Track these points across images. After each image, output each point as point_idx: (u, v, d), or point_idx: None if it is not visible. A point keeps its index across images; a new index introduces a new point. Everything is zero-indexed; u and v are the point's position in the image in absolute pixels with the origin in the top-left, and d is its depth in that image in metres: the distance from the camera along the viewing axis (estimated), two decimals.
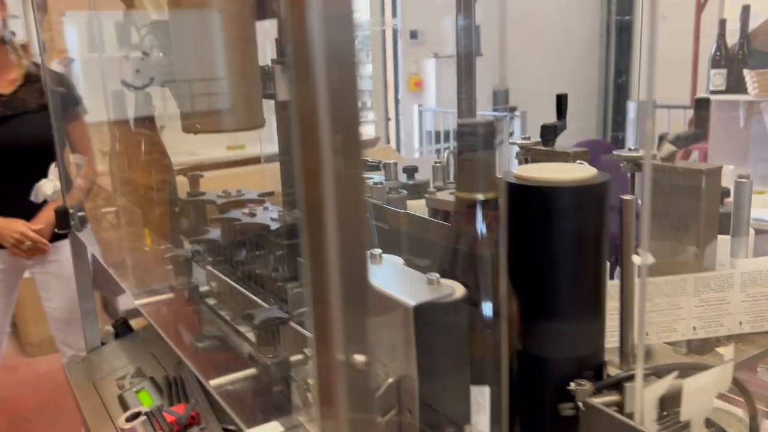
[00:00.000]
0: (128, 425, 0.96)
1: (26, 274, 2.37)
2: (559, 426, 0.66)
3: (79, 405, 1.24)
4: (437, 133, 4.67)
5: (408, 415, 0.57)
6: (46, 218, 2.12)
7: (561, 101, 1.13)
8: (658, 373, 0.67)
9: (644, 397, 0.59)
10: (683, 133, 0.97)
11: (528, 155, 1.16)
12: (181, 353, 0.80)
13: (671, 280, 0.88)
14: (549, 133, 1.09)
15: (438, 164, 1.22)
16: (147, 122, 1.33)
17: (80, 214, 1.43)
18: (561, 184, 0.61)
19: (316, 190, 0.40)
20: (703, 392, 0.64)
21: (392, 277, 0.61)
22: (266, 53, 1.22)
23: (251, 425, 0.58)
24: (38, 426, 2.95)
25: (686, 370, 0.64)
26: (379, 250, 0.65)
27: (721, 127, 3.20)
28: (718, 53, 3.03)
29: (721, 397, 0.74)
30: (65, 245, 2.25)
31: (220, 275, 0.95)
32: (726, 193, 1.01)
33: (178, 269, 0.95)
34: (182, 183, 1.48)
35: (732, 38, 3.02)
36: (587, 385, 0.65)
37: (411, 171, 1.26)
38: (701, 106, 1.02)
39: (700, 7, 3.63)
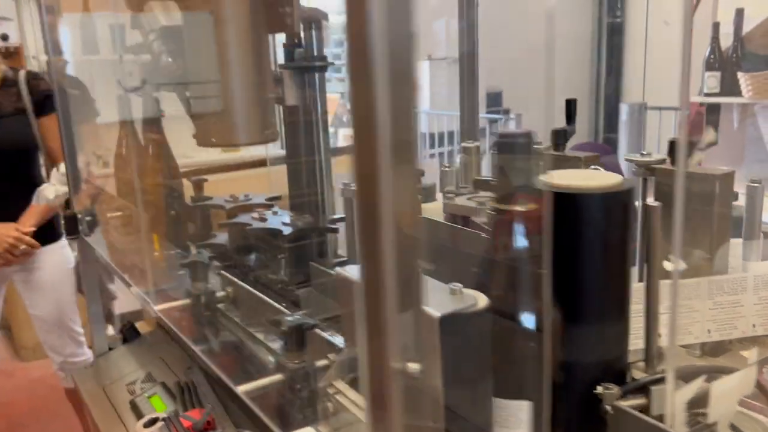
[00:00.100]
0: (146, 431, 0.96)
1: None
2: (586, 429, 0.67)
3: (90, 411, 1.23)
4: (431, 135, 4.68)
5: (432, 423, 0.57)
6: (33, 221, 2.11)
7: (570, 106, 1.14)
8: (683, 376, 0.68)
9: (675, 400, 0.60)
10: (694, 137, 0.99)
11: (539, 160, 1.17)
12: (207, 360, 0.80)
13: (685, 283, 0.89)
14: (560, 138, 1.10)
15: (447, 169, 1.23)
16: (155, 126, 1.33)
17: (88, 218, 1.42)
18: (593, 191, 0.61)
19: (374, 195, 0.40)
20: (728, 395, 0.65)
21: None
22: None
23: (287, 430, 0.59)
24: (33, 431, 2.93)
25: (711, 373, 0.65)
26: None
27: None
28: (712, 56, 3.06)
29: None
30: (48, 252, 2.23)
31: (237, 281, 0.96)
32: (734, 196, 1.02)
33: (194, 274, 0.95)
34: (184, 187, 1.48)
35: (725, 41, 3.05)
36: (614, 389, 0.65)
37: (417, 175, 1.27)
38: (712, 111, 1.03)
39: (692, 9, 3.67)
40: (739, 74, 2.92)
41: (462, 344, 0.55)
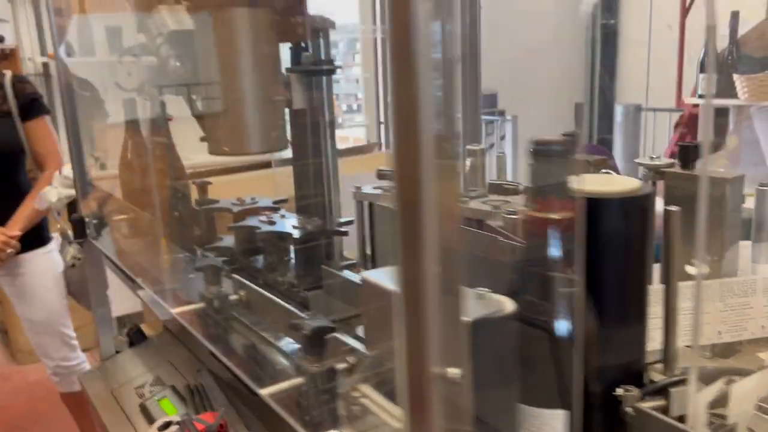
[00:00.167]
0: None
1: None
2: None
3: (99, 414, 1.23)
4: None
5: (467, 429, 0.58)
6: (20, 225, 2.10)
7: (579, 110, 1.15)
8: (700, 377, 0.68)
9: (697, 401, 0.60)
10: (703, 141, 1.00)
11: (575, 167, 1.18)
12: (228, 363, 0.81)
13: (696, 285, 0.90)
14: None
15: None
16: (162, 129, 1.33)
17: (95, 221, 1.42)
18: (615, 195, 0.62)
19: (416, 195, 0.41)
20: (747, 396, 0.66)
21: None
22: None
23: None
24: None
25: (729, 375, 0.66)
26: None
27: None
28: (707, 58, 3.09)
29: None
30: (35, 256, 2.22)
31: (252, 284, 0.96)
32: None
33: (209, 278, 0.95)
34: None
35: (720, 43, 3.07)
36: (634, 391, 0.66)
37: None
38: (720, 114, 1.04)
39: (684, 11, 3.70)
40: (735, 76, 2.95)
41: (492, 349, 0.56)
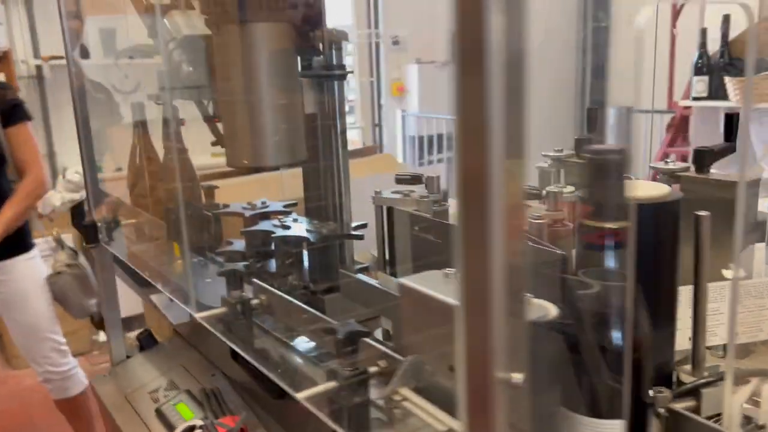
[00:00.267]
0: None
1: None
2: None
3: (114, 418, 1.23)
4: (420, 138, 4.72)
5: None
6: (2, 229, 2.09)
7: (591, 114, 1.17)
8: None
9: (733, 402, 0.62)
10: (716, 145, 1.02)
11: (560, 167, 1.20)
12: (261, 367, 0.81)
13: (712, 286, 0.92)
14: (583, 145, 1.13)
15: None
16: (175, 133, 1.33)
17: (106, 226, 1.42)
18: (649, 201, 0.64)
19: (481, 200, 0.41)
20: None
21: None
22: None
23: None
24: None
25: (761, 376, 0.68)
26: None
27: (702, 132, 3.30)
28: (700, 61, 3.13)
29: None
30: (18, 263, 2.19)
31: (273, 289, 0.97)
32: None
33: (230, 282, 0.96)
34: None
35: (713, 46, 3.12)
36: (666, 392, 0.68)
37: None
38: (729, 120, 1.06)
39: (675, 14, 3.74)
40: (727, 79, 2.99)
41: (539, 355, 0.57)
